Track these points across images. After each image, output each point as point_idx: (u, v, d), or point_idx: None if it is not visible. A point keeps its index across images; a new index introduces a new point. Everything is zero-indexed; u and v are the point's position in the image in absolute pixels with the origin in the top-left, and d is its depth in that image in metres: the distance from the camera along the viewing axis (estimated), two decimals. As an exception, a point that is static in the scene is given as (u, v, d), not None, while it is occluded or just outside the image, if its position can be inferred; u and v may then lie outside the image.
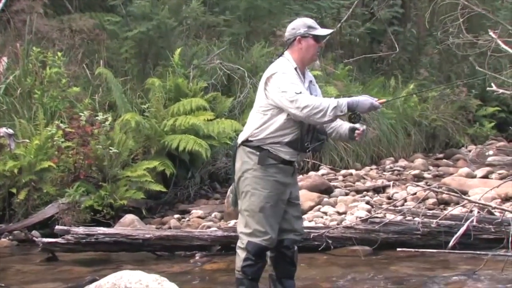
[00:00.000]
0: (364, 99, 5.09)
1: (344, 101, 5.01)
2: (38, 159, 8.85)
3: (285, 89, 5.08)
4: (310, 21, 5.37)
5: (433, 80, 15.85)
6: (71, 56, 11.28)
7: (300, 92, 5.05)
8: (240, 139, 5.31)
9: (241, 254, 5.25)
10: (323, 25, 5.41)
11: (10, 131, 8.82)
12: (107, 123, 9.25)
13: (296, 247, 5.46)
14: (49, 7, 12.03)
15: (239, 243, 5.29)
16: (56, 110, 9.84)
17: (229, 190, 8.29)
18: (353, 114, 5.14)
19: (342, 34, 15.87)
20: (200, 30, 12.81)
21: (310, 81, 5.42)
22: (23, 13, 11.35)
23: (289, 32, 5.35)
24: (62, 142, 9.05)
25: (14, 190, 8.77)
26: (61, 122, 9.44)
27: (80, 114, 9.37)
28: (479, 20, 15.12)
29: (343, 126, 5.45)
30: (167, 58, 11.12)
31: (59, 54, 10.30)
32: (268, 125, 5.19)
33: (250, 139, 5.23)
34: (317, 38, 5.29)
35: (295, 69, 5.26)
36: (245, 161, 5.25)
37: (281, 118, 5.16)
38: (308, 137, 5.20)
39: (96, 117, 9.32)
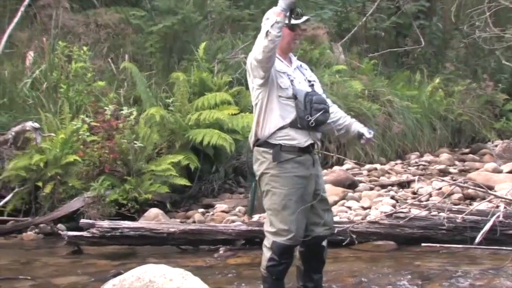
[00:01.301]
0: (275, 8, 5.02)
1: (270, 13, 4.98)
2: (64, 153, 8.91)
3: (250, 57, 5.09)
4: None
5: (459, 74, 15.73)
6: (97, 50, 11.34)
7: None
8: (251, 141, 5.29)
9: (266, 253, 5.24)
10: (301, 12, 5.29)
11: (36, 125, 8.91)
12: (132, 117, 9.29)
13: (325, 242, 5.43)
14: (75, 2, 12.11)
15: (265, 241, 5.26)
16: (82, 104, 9.90)
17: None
18: (290, 13, 5.07)
19: (367, 28, 15.80)
20: (225, 24, 12.81)
21: (299, 66, 5.38)
22: (49, 7, 11.43)
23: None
24: (87, 136, 9.11)
25: (40, 184, 8.85)
26: (87, 116, 9.50)
27: (105, 108, 9.42)
28: (506, 14, 15.01)
29: (353, 126, 5.47)
30: (191, 52, 11.13)
31: (85, 48, 10.36)
32: (265, 116, 5.15)
33: (259, 138, 5.20)
34: (291, 26, 5.21)
35: None
36: (261, 161, 5.21)
37: (271, 103, 5.11)
38: (307, 111, 5.10)
39: (121, 111, 9.37)
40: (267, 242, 5.23)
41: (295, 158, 5.15)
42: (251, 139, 5.28)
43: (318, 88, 5.37)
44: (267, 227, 5.25)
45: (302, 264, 5.45)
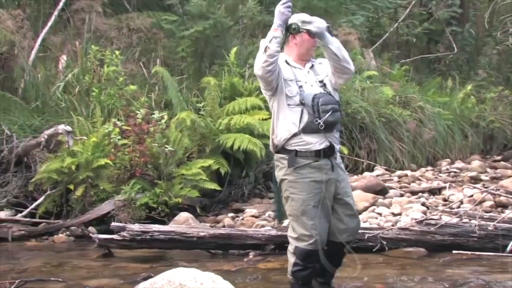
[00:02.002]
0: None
1: (266, 39, 5.06)
2: (95, 156, 8.97)
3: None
4: (305, 16, 5.31)
5: (492, 81, 15.61)
6: (129, 54, 11.42)
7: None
8: (271, 148, 5.32)
9: (290, 259, 5.25)
10: (332, 19, 5.33)
11: (69, 128, 9.00)
12: (163, 121, 9.33)
13: (348, 247, 5.41)
14: (108, 6, 12.21)
15: (289, 247, 5.28)
16: (113, 108, 9.97)
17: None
18: (288, 27, 5.17)
19: (399, 34, 15.75)
20: (256, 29, 12.82)
21: (313, 64, 5.37)
22: (83, 12, 11.53)
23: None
24: (118, 139, 9.16)
25: (71, 187, 8.93)
26: (118, 119, 9.56)
27: (137, 112, 9.47)
28: (540, 20, 14.86)
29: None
30: (223, 57, 11.17)
31: (117, 52, 10.44)
32: (278, 124, 5.21)
33: (276, 145, 5.23)
34: (311, 32, 5.23)
35: (286, 60, 5.26)
36: (280, 167, 5.25)
37: (283, 111, 5.16)
38: (315, 114, 5.10)
39: (152, 115, 9.41)
40: (290, 248, 5.25)
41: (311, 164, 5.16)
42: (271, 146, 5.32)
43: (330, 87, 5.32)
44: (290, 233, 5.28)
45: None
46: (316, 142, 5.14)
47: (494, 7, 14.83)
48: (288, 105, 5.16)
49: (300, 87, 5.17)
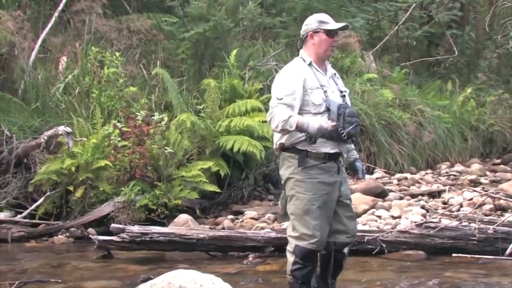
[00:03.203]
0: (315, 120, 5.00)
1: (296, 119, 4.97)
2: (95, 157, 8.98)
3: (272, 93, 5.16)
4: (322, 16, 5.32)
5: (491, 84, 15.60)
6: (129, 56, 11.41)
7: (282, 99, 5.04)
8: (276, 146, 5.31)
9: (290, 258, 5.25)
10: (334, 20, 5.31)
11: (68, 129, 8.99)
12: (163, 123, 9.34)
13: (347, 250, 5.42)
14: (108, 8, 12.20)
15: (288, 247, 5.28)
16: (113, 109, 9.97)
17: (279, 201, 8.33)
18: (307, 134, 5.05)
19: (399, 37, 15.75)
20: (257, 32, 12.84)
21: (334, 74, 5.39)
22: (83, 13, 11.53)
23: (303, 28, 5.34)
24: (118, 141, 9.17)
25: (71, 188, 8.93)
26: (118, 121, 9.56)
27: (137, 113, 9.48)
28: (540, 24, 14.84)
29: (355, 161, 5.51)
30: (223, 59, 11.17)
31: (117, 54, 10.44)
32: None
33: (285, 144, 5.21)
34: (329, 32, 5.24)
35: (310, 63, 5.24)
36: (287, 166, 5.23)
37: (302, 113, 5.10)
38: (339, 123, 5.10)
39: (152, 117, 9.41)
40: (289, 247, 5.25)
41: (320, 165, 5.16)
42: (276, 145, 5.30)
43: (349, 100, 5.38)
44: (289, 232, 5.27)
45: (319, 267, 5.42)
46: (328, 147, 5.16)
47: (495, 11, 14.82)
48: (312, 112, 5.11)
49: (325, 92, 5.16)
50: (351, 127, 5.13)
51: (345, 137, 5.15)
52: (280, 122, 4.96)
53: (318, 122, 4.96)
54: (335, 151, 5.20)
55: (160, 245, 7.66)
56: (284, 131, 5.02)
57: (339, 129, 5.10)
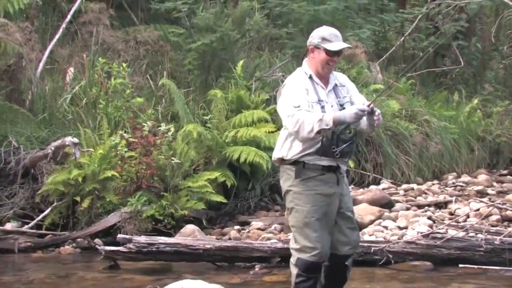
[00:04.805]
0: (349, 108, 5.04)
1: (329, 115, 4.98)
2: (102, 168, 8.99)
3: (286, 104, 5.10)
4: (327, 32, 5.25)
5: (498, 95, 15.59)
6: (136, 67, 11.45)
7: (299, 106, 5.02)
8: (276, 160, 5.30)
9: (293, 271, 5.23)
10: (341, 33, 5.26)
11: (75, 140, 9.02)
12: (169, 133, 9.35)
13: (350, 261, 5.40)
14: (115, 19, 12.24)
15: (291, 259, 5.26)
16: (120, 120, 10.00)
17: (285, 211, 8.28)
18: (346, 127, 5.04)
19: (405, 48, 15.76)
20: (263, 43, 12.86)
21: (336, 85, 5.33)
22: (90, 24, 11.57)
23: (309, 39, 5.30)
24: (125, 151, 9.18)
25: (78, 198, 8.94)
26: (125, 132, 9.57)
27: (143, 124, 9.49)
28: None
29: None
30: (229, 70, 11.19)
31: (124, 65, 10.48)
32: (291, 140, 5.16)
33: (284, 157, 5.21)
34: (328, 52, 5.20)
35: (310, 76, 5.23)
36: (286, 178, 5.24)
37: None
38: (333, 141, 5.06)
39: (159, 128, 9.43)
40: (292, 259, 5.23)
41: (318, 176, 5.15)
42: (275, 157, 5.31)
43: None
44: (292, 245, 5.26)
45: (323, 278, 5.37)
46: (326, 161, 5.14)
47: (501, 22, 14.83)
48: None
49: (323, 107, 5.15)
50: (344, 145, 5.09)
51: (338, 156, 5.09)
52: (315, 124, 4.93)
53: (352, 108, 4.99)
54: (332, 164, 5.17)
55: (166, 256, 7.67)
56: (319, 133, 4.96)
57: (332, 148, 5.08)
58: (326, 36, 5.23)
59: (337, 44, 5.24)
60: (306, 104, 5.07)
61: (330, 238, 5.19)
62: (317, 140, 5.06)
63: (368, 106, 5.03)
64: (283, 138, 5.25)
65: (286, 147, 5.20)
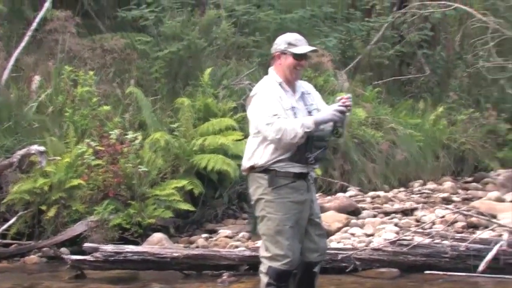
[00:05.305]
0: (326, 108, 5.16)
1: (309, 119, 5.06)
2: (68, 176, 8.94)
3: (262, 112, 5.12)
4: (292, 37, 5.30)
5: (462, 103, 15.74)
6: (102, 75, 11.39)
7: (276, 115, 5.06)
8: (245, 167, 5.31)
9: (263, 279, 5.24)
10: (307, 40, 5.32)
11: (42, 148, 8.94)
12: (136, 141, 9.32)
13: (318, 268, 5.42)
14: (82, 27, 12.16)
15: (261, 267, 5.27)
16: (87, 128, 9.93)
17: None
18: (334, 129, 5.14)
19: (371, 57, 15.86)
20: (230, 51, 12.87)
21: (303, 92, 5.37)
22: (56, 32, 11.48)
23: (273, 46, 5.36)
24: (92, 160, 9.13)
25: (44, 207, 8.87)
26: (91, 140, 9.52)
27: (110, 132, 9.45)
28: (509, 44, 15.03)
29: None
30: (196, 78, 11.19)
31: (91, 73, 10.43)
32: (264, 147, 5.18)
33: (255, 165, 5.22)
34: (296, 56, 5.25)
35: (280, 84, 5.26)
36: (257, 186, 5.25)
37: None
38: (307, 147, 5.12)
39: (126, 136, 9.39)
40: (263, 268, 5.23)
41: (290, 184, 5.17)
42: (245, 166, 5.30)
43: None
44: (262, 253, 5.26)
45: (292, 286, 5.38)
46: (298, 168, 5.17)
47: (464, 31, 15.01)
48: None
49: (295, 113, 5.18)
50: (318, 151, 5.16)
51: (312, 162, 5.16)
52: (299, 129, 4.97)
53: (329, 108, 5.08)
54: (303, 171, 5.20)
55: (134, 264, 7.63)
56: (302, 137, 5.00)
57: (306, 154, 5.11)
58: (292, 41, 5.27)
59: (304, 48, 5.29)
60: (282, 111, 5.10)
61: (300, 246, 5.21)
62: (291, 146, 5.08)
63: (344, 103, 5.09)
64: (254, 146, 5.24)
65: (258, 155, 5.20)
